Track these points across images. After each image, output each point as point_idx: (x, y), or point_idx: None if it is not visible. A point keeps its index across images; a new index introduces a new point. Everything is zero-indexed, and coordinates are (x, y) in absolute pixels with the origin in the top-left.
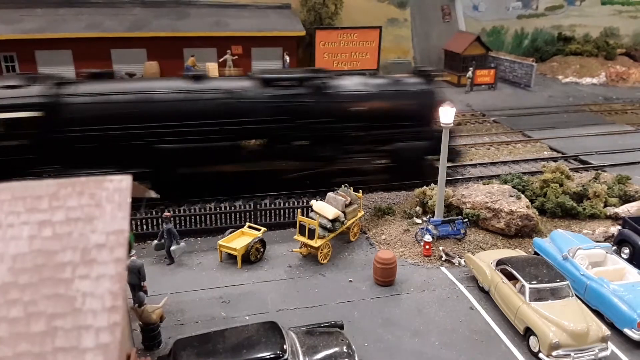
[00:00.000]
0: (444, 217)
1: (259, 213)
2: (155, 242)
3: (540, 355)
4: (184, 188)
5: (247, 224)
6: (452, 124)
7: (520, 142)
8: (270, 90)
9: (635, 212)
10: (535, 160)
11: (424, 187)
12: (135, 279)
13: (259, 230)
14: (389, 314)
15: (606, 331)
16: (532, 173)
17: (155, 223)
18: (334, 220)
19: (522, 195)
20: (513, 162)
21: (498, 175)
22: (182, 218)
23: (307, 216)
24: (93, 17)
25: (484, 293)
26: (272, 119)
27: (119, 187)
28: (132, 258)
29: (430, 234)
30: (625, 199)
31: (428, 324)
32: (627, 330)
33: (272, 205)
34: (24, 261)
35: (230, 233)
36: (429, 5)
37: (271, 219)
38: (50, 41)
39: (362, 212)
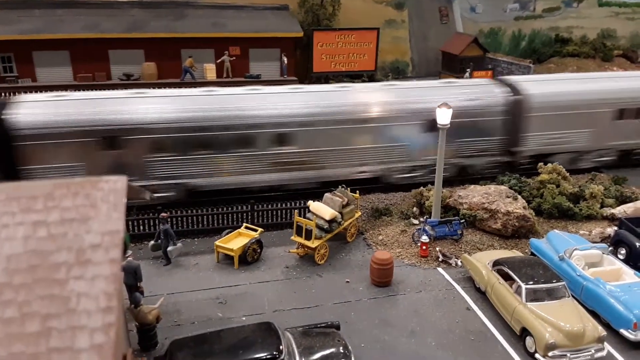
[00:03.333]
0: (441, 217)
1: (256, 214)
2: (152, 242)
3: (537, 355)
4: None
5: (244, 224)
6: (449, 125)
7: None
8: None
9: (632, 213)
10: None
11: (421, 187)
12: (132, 280)
13: (256, 230)
14: (386, 315)
15: (602, 332)
16: (529, 174)
17: (151, 223)
18: (330, 221)
19: (519, 196)
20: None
21: (497, 177)
22: (179, 219)
23: (304, 217)
24: (90, 18)
25: (481, 294)
26: None
27: (114, 187)
28: (129, 259)
29: (427, 235)
30: (622, 199)
31: (424, 324)
32: (623, 331)
33: (269, 206)
34: (18, 261)
35: (227, 234)
36: (426, 6)
37: (268, 219)
38: (48, 42)
39: (359, 213)
